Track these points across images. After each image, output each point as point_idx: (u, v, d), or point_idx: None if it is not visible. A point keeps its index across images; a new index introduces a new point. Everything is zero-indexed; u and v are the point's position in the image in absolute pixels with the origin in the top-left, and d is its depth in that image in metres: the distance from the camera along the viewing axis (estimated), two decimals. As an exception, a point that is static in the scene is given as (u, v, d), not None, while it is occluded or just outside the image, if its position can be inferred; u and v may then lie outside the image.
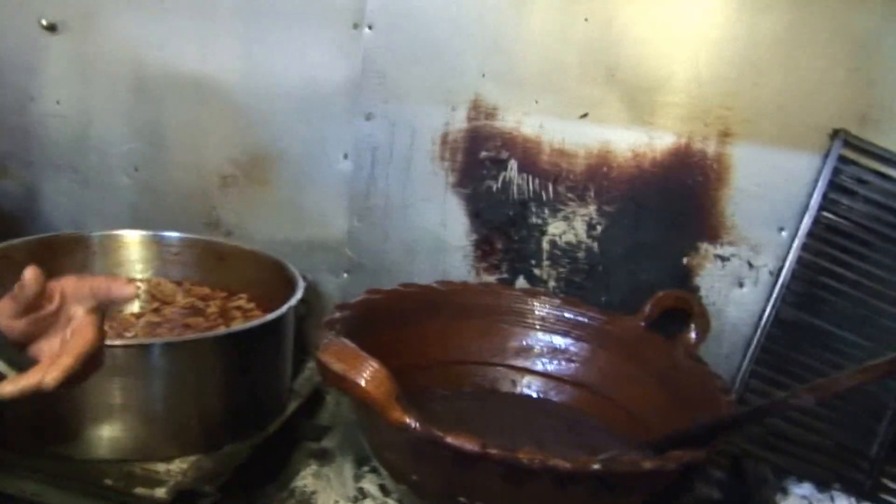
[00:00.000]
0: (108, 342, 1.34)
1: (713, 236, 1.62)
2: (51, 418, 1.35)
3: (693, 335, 1.56)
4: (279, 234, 1.87)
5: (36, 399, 1.29)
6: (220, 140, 1.88)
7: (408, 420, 1.10)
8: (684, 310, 1.58)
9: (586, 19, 1.60)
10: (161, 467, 1.37)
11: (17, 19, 1.98)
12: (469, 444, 1.08)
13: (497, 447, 1.08)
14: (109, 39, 1.91)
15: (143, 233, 1.83)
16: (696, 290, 1.65)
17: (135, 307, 1.72)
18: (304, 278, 1.63)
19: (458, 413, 1.52)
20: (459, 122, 1.71)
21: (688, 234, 1.64)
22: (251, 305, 1.72)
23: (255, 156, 1.87)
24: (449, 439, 1.09)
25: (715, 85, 1.57)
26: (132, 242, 1.83)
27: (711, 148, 1.59)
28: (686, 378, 1.48)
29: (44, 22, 1.94)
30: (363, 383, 1.09)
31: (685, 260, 1.65)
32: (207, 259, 1.82)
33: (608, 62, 1.61)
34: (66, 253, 1.78)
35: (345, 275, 1.85)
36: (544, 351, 1.64)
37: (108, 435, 1.36)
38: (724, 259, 1.63)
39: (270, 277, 1.69)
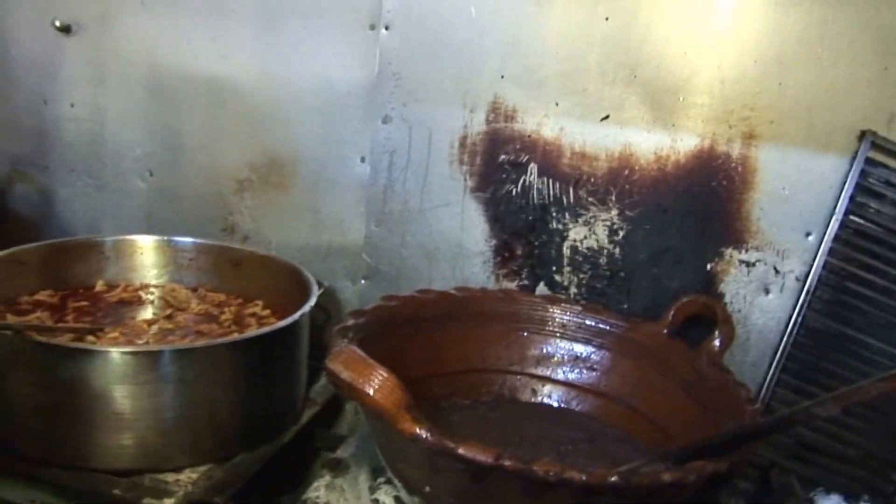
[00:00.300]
0: (119, 349, 1.38)
1: (738, 241, 1.62)
2: (59, 427, 1.37)
3: (717, 343, 1.55)
4: (296, 240, 1.89)
5: (43, 408, 1.32)
6: (236, 143, 1.90)
7: (418, 430, 1.10)
8: (708, 317, 1.58)
9: (607, 18, 1.61)
10: (171, 477, 1.38)
11: (30, 21, 2.00)
12: (482, 455, 1.07)
13: (512, 458, 1.07)
14: (124, 41, 1.94)
15: (157, 238, 1.85)
16: (720, 296, 1.65)
17: (147, 314, 1.74)
18: (321, 285, 1.64)
19: (477, 423, 1.52)
20: (478, 124, 1.72)
21: (712, 239, 1.64)
22: (267, 312, 1.74)
23: (271, 159, 1.88)
24: (461, 450, 1.08)
25: (739, 85, 1.57)
26: (146, 247, 1.85)
27: (736, 150, 1.59)
28: (710, 386, 1.48)
29: (58, 23, 1.96)
30: (372, 392, 1.09)
31: (709, 266, 1.65)
32: (223, 265, 1.83)
33: (630, 62, 1.62)
34: (79, 258, 1.81)
35: (363, 281, 1.86)
36: (565, 359, 1.64)
37: (117, 444, 1.37)
38: (749, 265, 1.63)
39: (287, 284, 1.70)
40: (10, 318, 1.57)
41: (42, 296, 1.72)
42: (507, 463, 1.07)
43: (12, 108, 2.08)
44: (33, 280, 1.73)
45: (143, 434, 1.37)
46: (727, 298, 1.65)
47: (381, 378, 1.10)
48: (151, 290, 1.82)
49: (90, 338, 1.55)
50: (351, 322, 1.39)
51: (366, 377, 1.10)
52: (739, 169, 1.60)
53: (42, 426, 1.38)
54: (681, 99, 1.60)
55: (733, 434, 1.27)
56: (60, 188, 2.09)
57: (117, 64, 1.95)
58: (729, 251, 1.63)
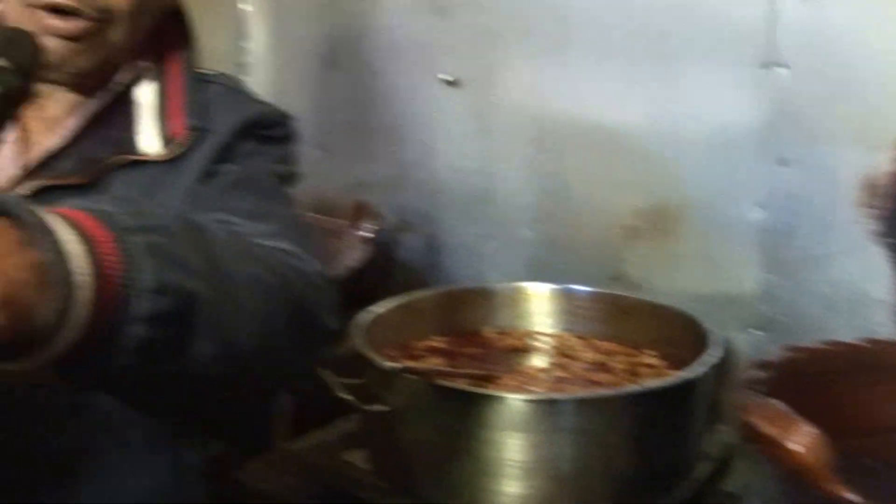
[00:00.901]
0: (521, 396, 1.41)
1: None
2: (454, 471, 1.42)
3: None
4: (686, 288, 1.88)
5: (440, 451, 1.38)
6: (623, 190, 1.92)
7: (847, 494, 1.06)
8: None
9: None
10: (562, 529, 1.40)
11: (419, 76, 2.12)
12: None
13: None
14: (510, 91, 2.01)
15: (550, 286, 1.88)
16: None
17: (539, 361, 1.77)
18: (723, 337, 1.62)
19: (887, 488, 1.46)
20: (884, 164, 1.65)
21: None
22: (661, 363, 1.72)
23: (659, 206, 1.89)
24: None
25: None
26: (536, 295, 1.88)
27: None
28: None
29: (445, 77, 2.06)
30: (798, 450, 1.07)
31: None
32: (613, 313, 1.83)
33: None
34: (468, 304, 1.87)
35: (756, 331, 1.82)
36: None
37: (510, 491, 1.40)
38: None
39: (680, 334, 1.68)
40: (406, 363, 1.65)
41: (433, 341, 1.79)
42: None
43: (401, 161, 2.21)
44: (425, 326, 1.80)
45: (537, 483, 1.39)
46: None
47: (806, 434, 1.07)
48: (541, 337, 1.85)
49: (486, 384, 1.60)
50: (760, 374, 1.37)
51: (789, 433, 1.07)
52: None
53: (437, 469, 1.44)
54: None
55: None
56: (446, 237, 2.18)
57: (503, 114, 2.03)
58: None
